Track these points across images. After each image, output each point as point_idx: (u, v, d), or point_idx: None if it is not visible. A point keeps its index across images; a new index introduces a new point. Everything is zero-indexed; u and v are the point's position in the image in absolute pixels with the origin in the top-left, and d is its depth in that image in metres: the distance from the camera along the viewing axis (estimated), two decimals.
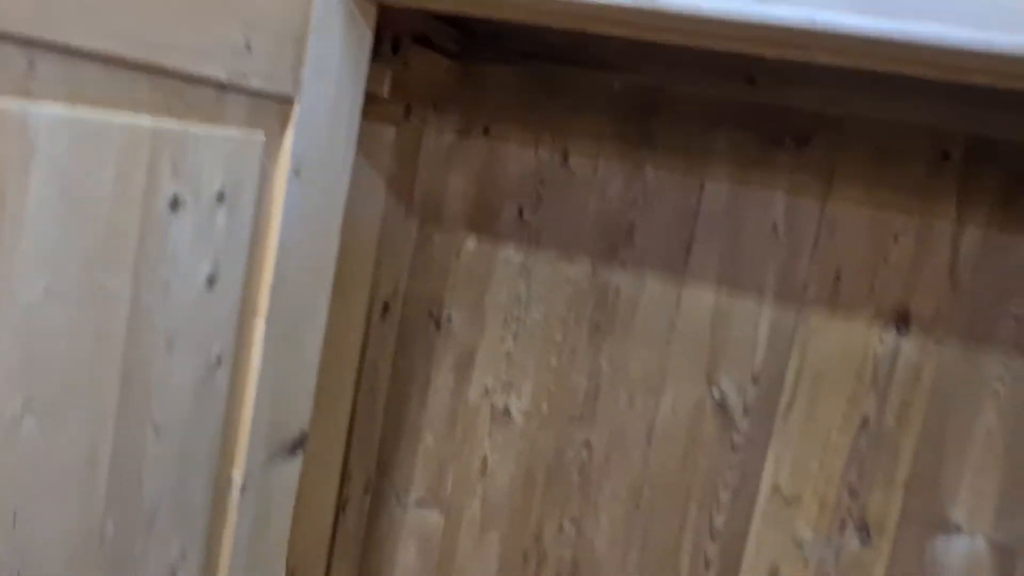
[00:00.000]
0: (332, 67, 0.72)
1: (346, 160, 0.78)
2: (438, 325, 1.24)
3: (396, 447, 1.27)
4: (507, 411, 1.22)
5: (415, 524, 1.28)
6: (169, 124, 0.58)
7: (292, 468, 0.84)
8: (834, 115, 1.06)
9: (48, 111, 0.49)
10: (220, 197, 0.64)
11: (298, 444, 0.83)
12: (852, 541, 1.08)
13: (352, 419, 1.20)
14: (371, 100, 0.99)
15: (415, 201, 1.21)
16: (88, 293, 0.55)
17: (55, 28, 0.48)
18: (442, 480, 1.26)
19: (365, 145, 1.06)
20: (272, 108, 0.68)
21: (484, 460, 1.23)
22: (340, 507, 1.22)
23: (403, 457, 1.27)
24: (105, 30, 0.51)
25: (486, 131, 1.19)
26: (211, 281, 0.66)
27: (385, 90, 0.97)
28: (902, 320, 1.04)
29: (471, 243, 1.21)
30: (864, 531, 1.08)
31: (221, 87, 0.62)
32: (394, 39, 0.96)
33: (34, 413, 0.53)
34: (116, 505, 0.62)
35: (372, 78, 0.95)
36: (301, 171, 0.72)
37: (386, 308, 1.21)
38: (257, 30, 0.63)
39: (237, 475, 0.75)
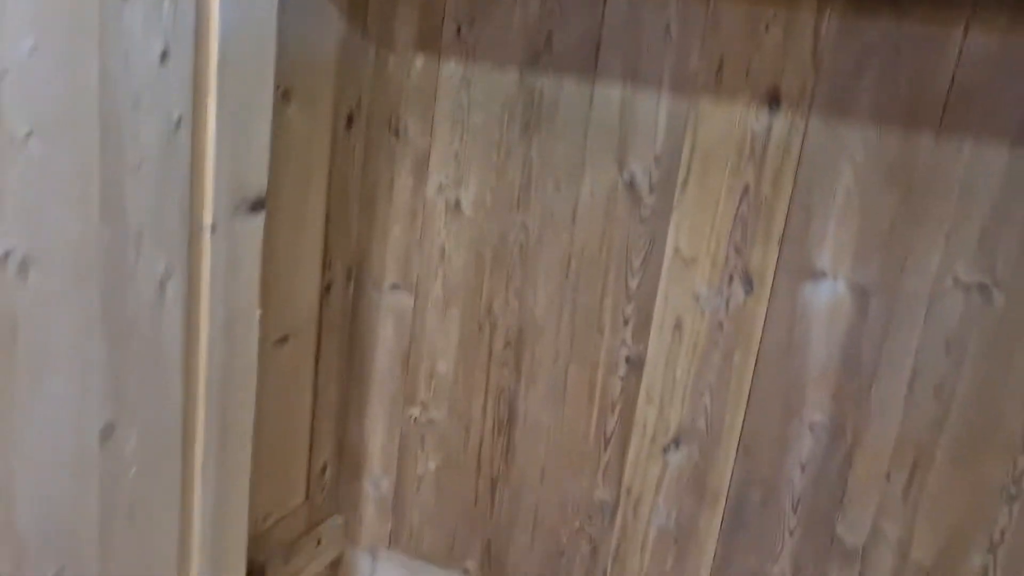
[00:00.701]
0: None
1: None
2: (397, 134, 1.45)
3: (370, 240, 1.50)
4: (458, 204, 1.44)
5: (390, 305, 1.52)
6: None
7: (255, 223, 1.07)
8: None
9: None
10: None
11: (258, 204, 1.06)
12: (738, 292, 1.29)
13: (328, 217, 1.43)
14: None
15: (369, 27, 1.40)
16: (64, 53, 0.77)
17: None
18: (409, 266, 1.49)
19: None
20: None
21: (442, 247, 1.46)
22: (325, 289, 1.47)
23: (376, 249, 1.50)
24: None
25: None
26: (164, 57, 0.87)
27: None
28: (774, 100, 1.22)
29: (419, 61, 1.41)
30: (748, 282, 1.28)
31: None
32: None
33: (38, 136, 0.76)
34: (108, 217, 0.85)
35: None
36: None
37: (350, 121, 1.42)
38: None
39: (207, 218, 0.99)
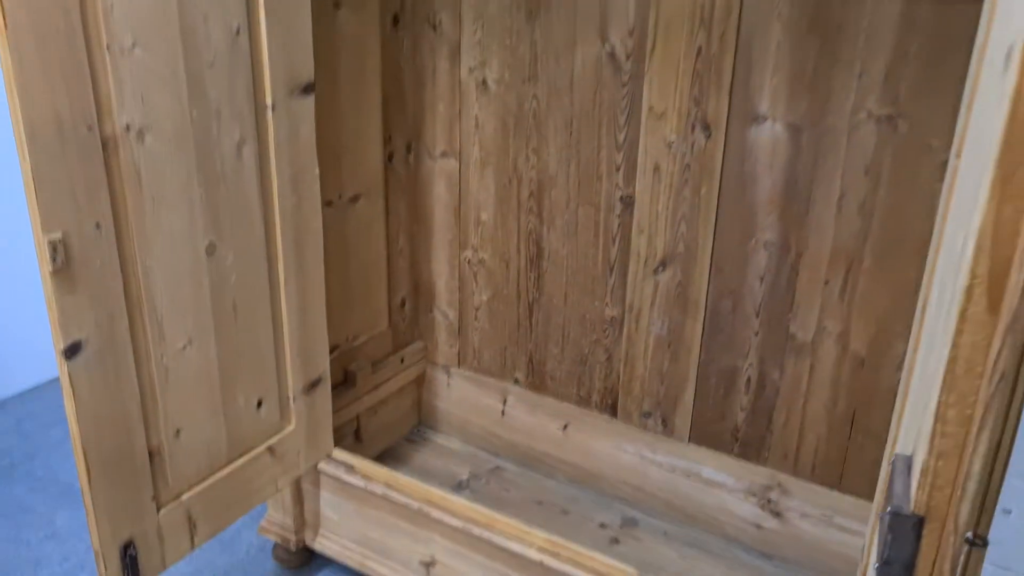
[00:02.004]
0: None
1: None
2: (434, 28, 1.79)
3: (421, 117, 1.87)
4: (485, 82, 1.77)
5: (441, 169, 1.90)
6: None
7: (307, 103, 1.46)
8: None
9: None
10: None
11: (308, 88, 1.45)
12: (700, 137, 1.57)
13: (385, 100, 1.81)
14: None
15: None
16: None
17: None
18: (452, 137, 1.86)
19: None
20: None
21: (476, 119, 1.81)
22: (388, 158, 1.86)
23: (426, 123, 1.87)
24: None
25: None
26: None
27: None
28: None
29: None
30: (706, 129, 1.56)
31: None
32: None
33: (139, 46, 1.17)
34: (194, 99, 1.26)
35: None
36: None
37: (396, 20, 1.77)
38: None
39: (268, 99, 1.38)
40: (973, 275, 0.56)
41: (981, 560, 0.74)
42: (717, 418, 1.73)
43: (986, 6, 0.80)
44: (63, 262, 1.15)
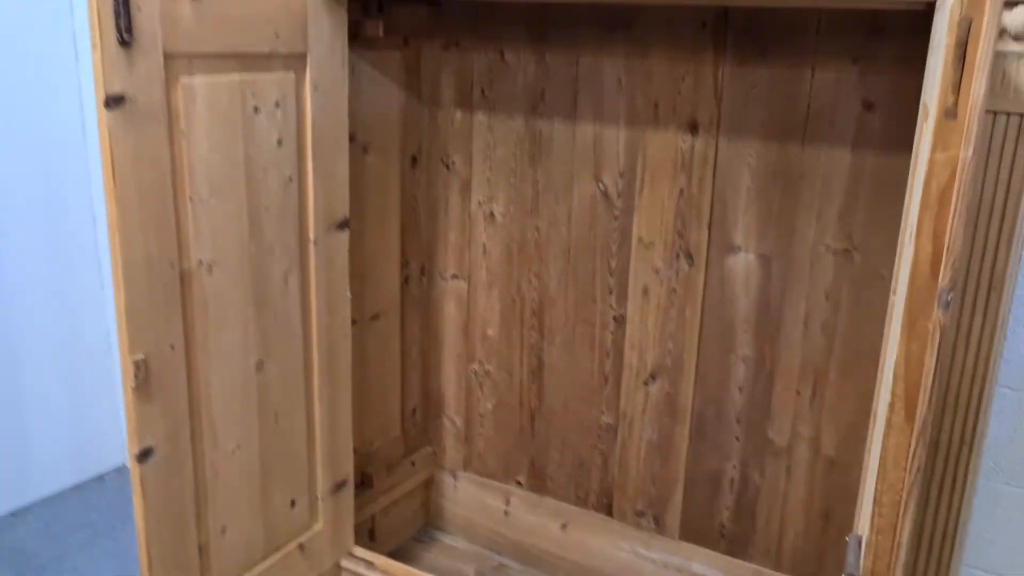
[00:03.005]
0: (324, 36, 1.53)
1: (344, 78, 1.59)
2: (447, 167, 2.04)
3: (435, 244, 2.10)
4: (492, 215, 2.01)
5: (452, 290, 2.11)
6: (249, 76, 1.41)
7: (342, 237, 1.68)
8: (641, 7, 1.73)
9: (199, 79, 1.33)
10: (277, 104, 1.47)
11: (343, 224, 1.67)
12: (684, 265, 1.80)
13: (403, 229, 2.04)
14: (374, 40, 1.78)
15: (423, 93, 2.00)
16: (224, 146, 1.40)
17: (193, 42, 1.31)
18: (462, 261, 2.08)
19: (381, 66, 1.86)
20: (297, 60, 1.49)
21: (484, 246, 2.04)
22: (404, 280, 2.07)
23: (439, 250, 2.10)
24: (213, 42, 1.34)
25: (458, 44, 1.95)
26: (280, 142, 1.49)
27: (379, 32, 1.75)
28: (693, 127, 1.72)
29: (458, 114, 1.99)
30: (689, 258, 1.79)
31: (268, 56, 1.44)
32: (378, 2, 1.74)
33: (214, 195, 1.39)
34: (253, 237, 1.48)
35: (369, 27, 1.74)
36: (318, 87, 1.53)
37: (414, 161, 2.02)
38: (280, 27, 1.45)
39: (311, 235, 1.60)
40: (893, 394, 0.77)
41: None
42: (705, 516, 1.90)
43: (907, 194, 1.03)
44: (143, 379, 1.33)
